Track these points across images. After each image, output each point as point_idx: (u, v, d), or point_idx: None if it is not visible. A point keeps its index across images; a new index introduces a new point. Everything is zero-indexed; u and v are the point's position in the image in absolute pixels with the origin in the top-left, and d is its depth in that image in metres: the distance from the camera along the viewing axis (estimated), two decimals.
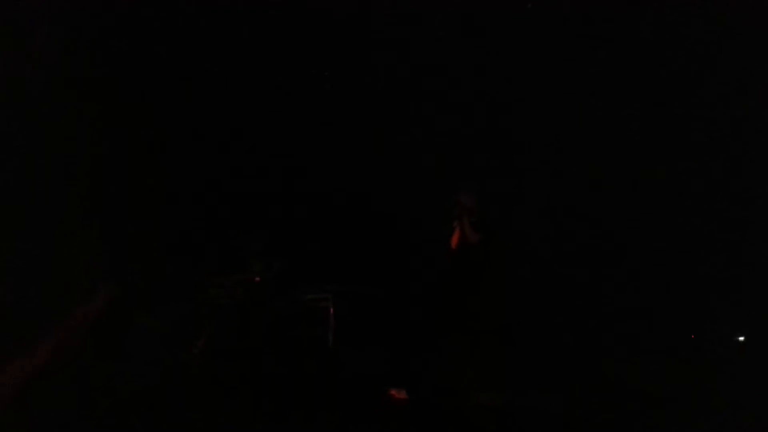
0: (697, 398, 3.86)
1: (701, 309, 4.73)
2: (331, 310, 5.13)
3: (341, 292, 5.19)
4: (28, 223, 4.15)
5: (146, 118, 5.06)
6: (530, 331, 4.76)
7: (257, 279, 5.10)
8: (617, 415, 3.77)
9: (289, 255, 5.26)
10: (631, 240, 4.98)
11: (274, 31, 5.10)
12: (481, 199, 4.79)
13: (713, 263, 4.75)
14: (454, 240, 4.81)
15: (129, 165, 5.02)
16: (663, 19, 4.79)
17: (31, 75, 4.37)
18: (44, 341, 3.09)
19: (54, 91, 4.41)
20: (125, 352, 3.97)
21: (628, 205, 4.98)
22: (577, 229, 5.02)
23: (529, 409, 4.05)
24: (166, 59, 4.98)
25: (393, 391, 4.40)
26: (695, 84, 4.84)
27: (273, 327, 4.99)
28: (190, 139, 5.25)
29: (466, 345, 4.62)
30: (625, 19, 4.84)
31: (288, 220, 5.39)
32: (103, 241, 4.53)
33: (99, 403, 3.20)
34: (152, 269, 4.84)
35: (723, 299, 4.69)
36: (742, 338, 4.58)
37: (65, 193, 4.47)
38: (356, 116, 5.35)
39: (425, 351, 4.79)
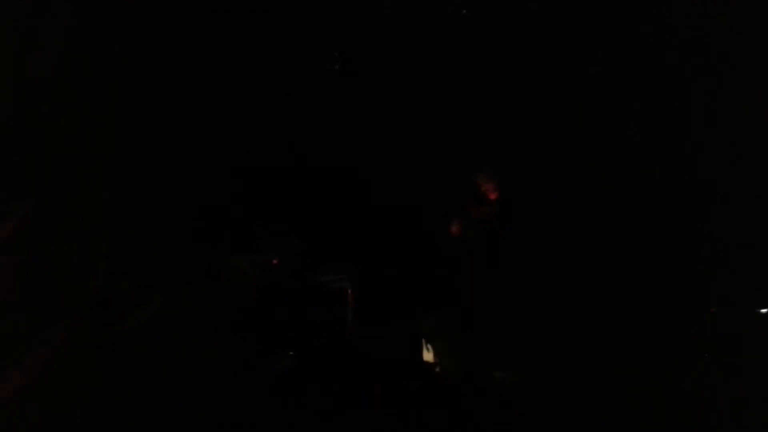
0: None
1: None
2: (349, 290, 5.12)
3: (359, 272, 5.18)
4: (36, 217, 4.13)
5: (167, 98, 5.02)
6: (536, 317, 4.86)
7: (275, 261, 5.07)
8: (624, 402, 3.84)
9: (305, 236, 5.26)
10: (639, 229, 5.06)
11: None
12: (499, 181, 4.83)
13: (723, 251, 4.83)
14: (472, 220, 4.84)
15: (143, 147, 4.98)
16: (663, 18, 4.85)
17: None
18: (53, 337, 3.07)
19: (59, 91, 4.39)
20: (143, 338, 3.94)
21: (634, 196, 5.07)
22: (583, 221, 5.11)
23: (543, 387, 4.12)
24: (186, 41, 4.92)
25: None
26: (698, 82, 4.91)
27: (291, 308, 4.97)
28: (206, 121, 5.19)
29: (483, 323, 4.70)
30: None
31: (304, 202, 5.37)
32: (113, 229, 4.51)
33: (120, 389, 3.18)
34: (166, 253, 4.81)
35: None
36: (765, 310, 4.63)
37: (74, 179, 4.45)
38: (374, 97, 5.32)
39: (442, 331, 4.85)
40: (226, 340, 4.40)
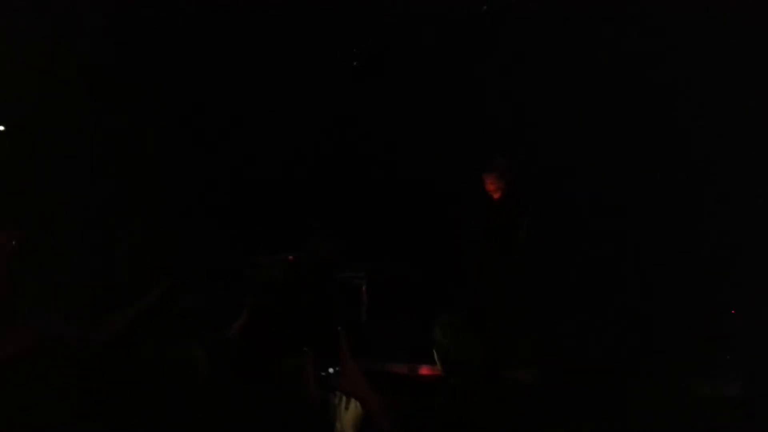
0: None
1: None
2: (364, 287, 5.17)
3: (374, 270, 5.23)
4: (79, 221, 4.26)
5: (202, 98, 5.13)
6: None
7: (291, 258, 5.15)
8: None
9: (328, 233, 5.32)
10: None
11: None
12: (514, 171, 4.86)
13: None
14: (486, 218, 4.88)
15: (169, 149, 5.09)
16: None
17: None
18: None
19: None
20: (167, 335, 4.01)
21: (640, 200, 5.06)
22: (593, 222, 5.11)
23: (562, 386, 4.09)
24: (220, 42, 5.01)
25: (424, 368, 4.46)
26: (701, 82, 4.88)
27: (308, 305, 5.05)
28: (231, 121, 5.28)
29: (500, 320, 4.71)
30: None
31: (321, 201, 5.44)
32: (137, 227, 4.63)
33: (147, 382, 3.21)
34: (188, 251, 4.91)
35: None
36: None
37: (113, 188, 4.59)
38: (394, 97, 5.36)
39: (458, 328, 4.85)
40: (244, 337, 4.47)
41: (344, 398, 2.29)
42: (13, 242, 3.79)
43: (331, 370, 1.94)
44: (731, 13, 4.61)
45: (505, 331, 4.67)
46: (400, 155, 5.34)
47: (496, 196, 4.91)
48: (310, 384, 2.08)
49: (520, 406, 3.97)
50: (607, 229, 5.00)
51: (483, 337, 4.62)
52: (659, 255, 4.95)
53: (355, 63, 5.38)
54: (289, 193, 5.35)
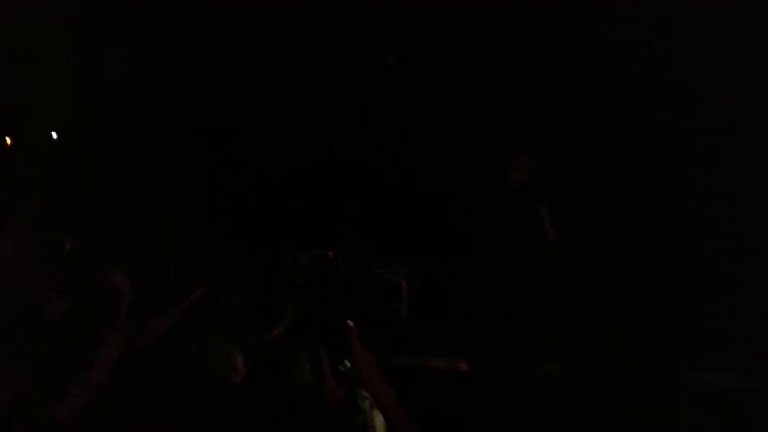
0: None
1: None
2: (404, 284, 5.18)
3: (414, 266, 5.24)
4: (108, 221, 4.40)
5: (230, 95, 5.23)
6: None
7: (330, 255, 5.18)
8: None
9: (363, 225, 5.38)
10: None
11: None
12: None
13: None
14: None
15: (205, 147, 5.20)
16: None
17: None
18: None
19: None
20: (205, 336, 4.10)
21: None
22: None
23: (592, 380, 4.12)
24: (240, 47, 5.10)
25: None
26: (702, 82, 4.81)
27: (347, 302, 5.08)
28: (268, 120, 5.37)
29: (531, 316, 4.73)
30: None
31: (358, 199, 5.50)
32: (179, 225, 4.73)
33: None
34: (224, 249, 5.01)
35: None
36: None
37: (145, 190, 4.71)
38: (429, 97, 5.38)
39: (493, 324, 4.89)
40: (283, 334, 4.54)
41: (374, 404, 2.32)
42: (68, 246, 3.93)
43: (347, 363, 1.97)
44: (734, 13, 4.53)
45: (537, 331, 4.68)
46: (426, 156, 5.39)
47: (519, 189, 4.90)
48: (329, 381, 2.12)
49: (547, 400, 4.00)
50: (607, 228, 4.97)
51: (513, 344, 4.64)
52: (661, 254, 4.91)
53: (390, 61, 5.42)
54: (323, 189, 5.44)
